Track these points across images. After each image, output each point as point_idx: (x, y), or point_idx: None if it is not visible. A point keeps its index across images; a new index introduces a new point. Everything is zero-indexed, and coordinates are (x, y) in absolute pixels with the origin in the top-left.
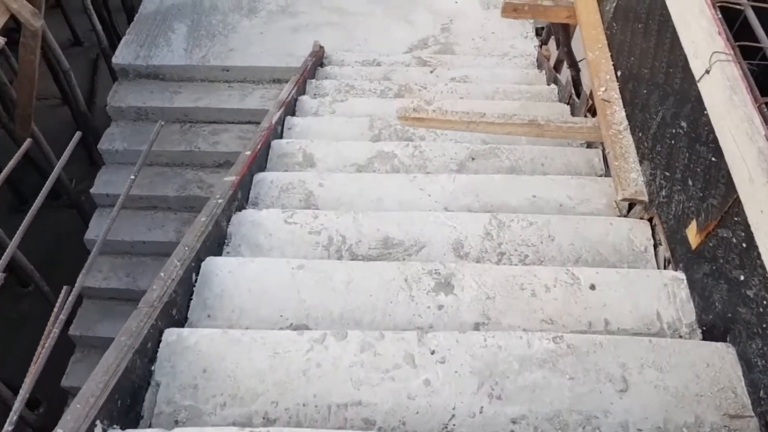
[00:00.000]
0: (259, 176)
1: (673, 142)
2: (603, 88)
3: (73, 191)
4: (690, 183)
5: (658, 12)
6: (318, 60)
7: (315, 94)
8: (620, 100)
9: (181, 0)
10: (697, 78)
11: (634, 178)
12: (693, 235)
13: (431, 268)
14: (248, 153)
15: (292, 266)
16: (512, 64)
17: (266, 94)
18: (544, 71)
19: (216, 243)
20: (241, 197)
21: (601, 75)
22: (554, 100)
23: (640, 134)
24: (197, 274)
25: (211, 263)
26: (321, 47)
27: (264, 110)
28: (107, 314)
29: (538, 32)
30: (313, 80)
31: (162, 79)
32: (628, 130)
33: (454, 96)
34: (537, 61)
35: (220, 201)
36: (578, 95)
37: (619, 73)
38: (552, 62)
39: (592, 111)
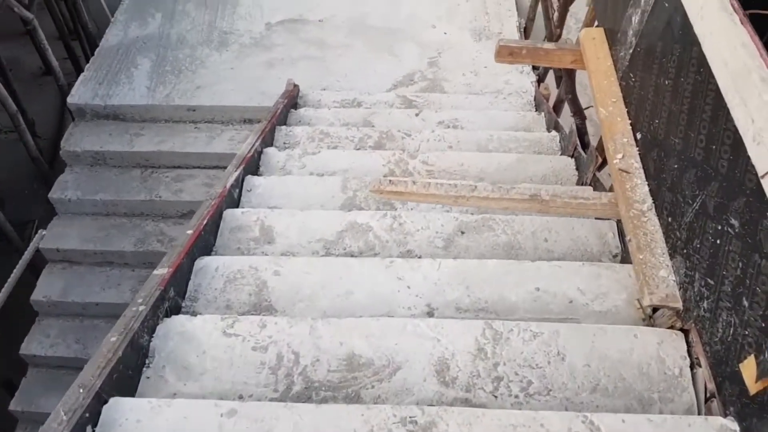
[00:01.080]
0: (201, 262)
1: (718, 241)
2: (620, 155)
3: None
4: (745, 303)
5: (693, 66)
6: (291, 101)
7: (285, 144)
8: (642, 171)
9: (146, 32)
10: (760, 173)
11: (663, 277)
12: (751, 375)
13: (405, 415)
14: (190, 232)
15: (220, 412)
16: (507, 104)
17: (236, 136)
18: (543, 114)
19: (129, 369)
20: (174, 294)
21: (616, 138)
22: (556, 150)
23: (670, 219)
24: (94, 426)
25: (115, 408)
26: (295, 86)
27: (233, 154)
28: (54, 386)
29: (534, 66)
30: (284, 127)
31: (122, 119)
32: (653, 211)
33: (442, 145)
34: (535, 100)
35: (141, 308)
36: (584, 146)
37: (639, 136)
38: (551, 102)
39: (601, 167)
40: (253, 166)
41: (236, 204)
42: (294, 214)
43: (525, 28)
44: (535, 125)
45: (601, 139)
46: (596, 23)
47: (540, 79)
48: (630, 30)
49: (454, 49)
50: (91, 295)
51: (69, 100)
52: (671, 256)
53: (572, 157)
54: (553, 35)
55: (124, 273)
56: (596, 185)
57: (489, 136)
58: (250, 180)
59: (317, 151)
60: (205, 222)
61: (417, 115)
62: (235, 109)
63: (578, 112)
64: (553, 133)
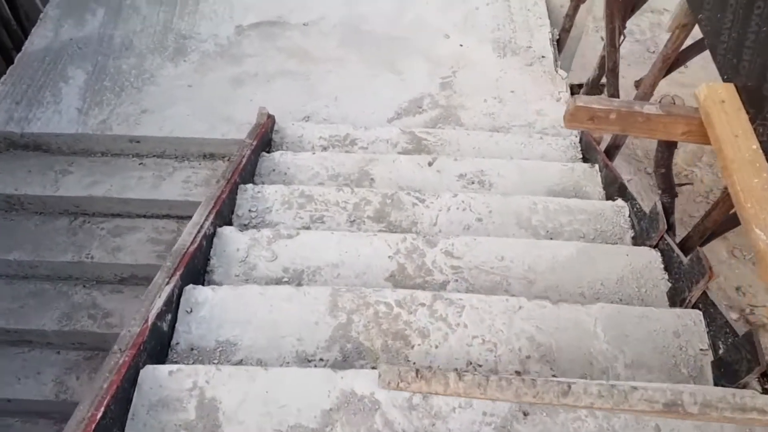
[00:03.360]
0: None
1: None
2: None
3: None
4: None
5: None
6: (263, 139)
7: (250, 214)
8: None
9: (83, 33)
10: None
11: None
12: None
13: None
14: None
15: None
16: (545, 147)
17: (192, 177)
18: (596, 166)
19: None
20: None
21: None
22: (625, 229)
23: None
24: None
25: None
26: (269, 117)
27: (188, 202)
28: None
29: (573, 90)
30: (250, 186)
31: (45, 151)
32: None
33: (468, 217)
34: (581, 142)
35: None
36: (669, 227)
37: None
38: (601, 144)
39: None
40: (198, 263)
41: (165, 345)
42: (254, 377)
43: (558, 41)
44: (587, 183)
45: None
46: (723, 76)
47: None
48: None
49: (472, 66)
50: (3, 388)
51: None
52: None
53: (656, 248)
54: (615, 66)
55: (45, 356)
56: (706, 306)
57: (531, 204)
58: (192, 294)
59: (294, 233)
60: (108, 397)
61: (430, 164)
62: (193, 142)
63: (669, 189)
64: (619, 202)
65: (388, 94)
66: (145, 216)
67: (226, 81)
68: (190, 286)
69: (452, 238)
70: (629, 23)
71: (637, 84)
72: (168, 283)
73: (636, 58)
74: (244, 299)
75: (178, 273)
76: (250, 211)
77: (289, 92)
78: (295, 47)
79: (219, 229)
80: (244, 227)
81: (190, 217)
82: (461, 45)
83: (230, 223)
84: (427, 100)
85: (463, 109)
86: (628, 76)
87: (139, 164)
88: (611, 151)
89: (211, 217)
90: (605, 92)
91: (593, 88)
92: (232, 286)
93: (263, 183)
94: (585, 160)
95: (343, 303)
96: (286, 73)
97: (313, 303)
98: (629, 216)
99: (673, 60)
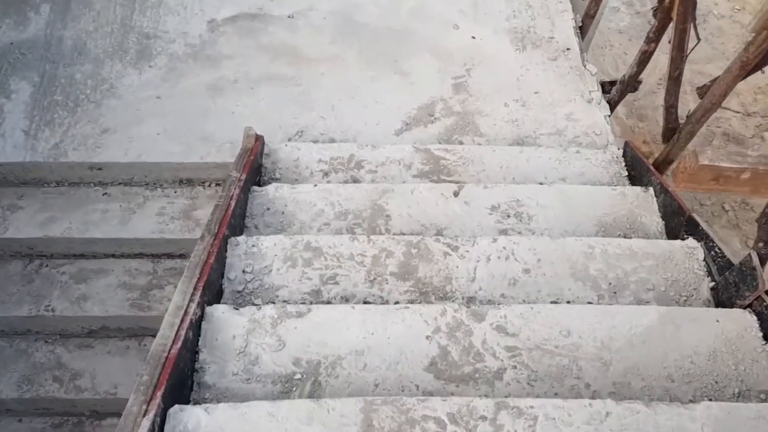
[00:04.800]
0: None
1: None
2: None
3: None
4: None
5: None
6: (252, 168)
7: (245, 276)
8: None
9: (25, 35)
10: None
11: None
12: None
13: None
14: None
15: None
16: (584, 162)
17: (167, 208)
18: (651, 190)
19: None
20: None
21: None
22: (701, 277)
23: None
24: None
25: None
26: (257, 139)
27: (163, 239)
28: None
29: (604, 88)
30: (242, 239)
31: None
32: None
33: (512, 269)
34: (625, 155)
35: None
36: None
37: None
38: (649, 156)
39: None
40: (184, 366)
41: None
42: None
43: (581, 28)
44: (643, 212)
45: None
46: None
47: (612, 104)
48: None
49: (487, 62)
50: None
51: None
52: None
53: (751, 310)
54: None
55: (5, 426)
56: None
57: (587, 248)
58: (179, 420)
59: (305, 310)
60: None
61: (456, 194)
62: (166, 167)
63: None
64: (691, 242)
65: (393, 100)
66: (114, 255)
67: (202, 89)
68: (176, 407)
69: (503, 307)
70: None
71: (701, 91)
72: (146, 412)
73: (638, 32)
74: (249, 424)
75: (159, 393)
76: (244, 272)
77: (278, 101)
78: (280, 45)
79: (208, 310)
80: (238, 295)
81: (168, 256)
82: (473, 37)
83: (221, 293)
84: (439, 105)
85: (481, 115)
86: (630, 51)
87: (103, 194)
88: (661, 166)
89: (198, 294)
90: (662, 101)
91: (628, 86)
92: (233, 404)
93: (256, 226)
94: (631, 178)
95: (380, 421)
96: (273, 77)
97: (341, 424)
98: (704, 261)
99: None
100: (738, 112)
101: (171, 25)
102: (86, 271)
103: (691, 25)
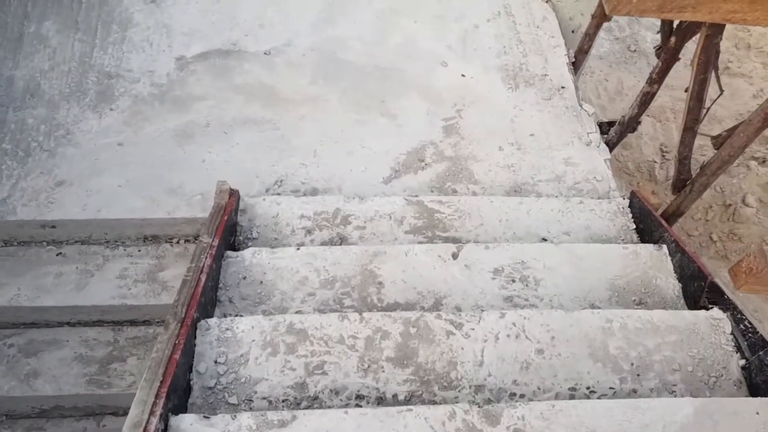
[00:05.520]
0: None
1: None
2: None
3: None
4: None
5: None
6: (226, 230)
7: (217, 374)
8: None
9: None
10: None
11: None
12: None
13: None
14: None
15: None
16: (588, 214)
17: (130, 270)
18: (664, 249)
19: None
20: None
21: None
22: (729, 352)
23: None
24: None
25: None
26: (231, 194)
27: (125, 306)
28: None
29: (602, 129)
30: (214, 322)
31: None
32: None
33: (523, 349)
34: (631, 206)
35: None
36: None
37: None
38: (657, 205)
39: None
40: None
41: None
42: None
43: (573, 63)
44: (658, 274)
45: None
46: None
47: (610, 145)
48: None
49: (479, 103)
50: None
51: None
52: None
53: None
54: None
55: None
56: None
57: (605, 322)
58: None
59: (289, 418)
60: None
61: (455, 256)
62: (128, 223)
63: None
64: (716, 313)
65: (380, 145)
66: (69, 324)
67: (169, 135)
68: None
69: (520, 406)
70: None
71: (716, 142)
72: None
73: (617, 58)
74: None
75: None
76: (216, 362)
77: (254, 147)
78: (257, 85)
79: (173, 422)
80: (209, 393)
81: (131, 323)
82: (463, 75)
83: (189, 390)
84: (429, 150)
85: (475, 160)
86: (611, 77)
87: (57, 255)
88: (671, 219)
89: (161, 403)
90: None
91: (628, 127)
92: None
93: (231, 300)
94: (639, 231)
95: None
96: (248, 121)
97: None
98: (733, 337)
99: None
100: None
101: (135, 63)
102: (37, 342)
103: (714, 75)
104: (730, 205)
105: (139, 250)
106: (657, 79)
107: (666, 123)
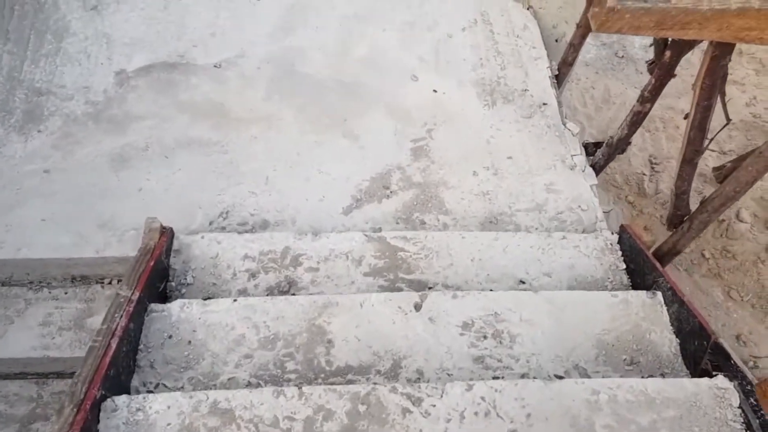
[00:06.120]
0: None
1: None
2: None
3: None
4: None
5: None
6: (153, 276)
7: None
8: None
9: None
10: None
11: None
12: None
13: None
14: None
15: None
16: (572, 252)
17: (55, 316)
18: (659, 297)
19: None
20: None
21: None
22: (736, 429)
23: None
24: None
25: None
26: (163, 232)
27: (48, 359)
28: None
29: (588, 150)
30: (122, 402)
31: None
32: None
33: (496, 430)
34: (621, 242)
35: None
36: None
37: None
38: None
39: None
40: None
41: None
42: None
43: (557, 76)
44: (652, 327)
45: None
46: None
47: (597, 169)
48: None
49: (452, 121)
50: None
51: None
52: None
53: None
54: (697, 154)
55: None
56: None
57: (590, 394)
58: None
59: None
60: None
61: (418, 308)
62: (51, 263)
63: None
64: (721, 382)
65: (340, 170)
66: None
67: (103, 160)
68: None
69: None
70: None
71: (719, 174)
72: None
73: (603, 64)
74: None
75: None
76: None
77: (199, 173)
78: (204, 101)
79: None
80: None
81: (57, 375)
82: (435, 90)
83: None
84: (396, 175)
85: (446, 187)
86: (597, 85)
87: None
88: (665, 257)
89: None
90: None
91: (617, 149)
92: None
93: (152, 365)
94: (629, 271)
95: None
96: (193, 142)
97: None
98: (741, 412)
99: None
100: (713, 151)
101: (69, 78)
102: None
103: (720, 101)
104: (723, 220)
105: (66, 293)
106: (650, 97)
107: (655, 133)
